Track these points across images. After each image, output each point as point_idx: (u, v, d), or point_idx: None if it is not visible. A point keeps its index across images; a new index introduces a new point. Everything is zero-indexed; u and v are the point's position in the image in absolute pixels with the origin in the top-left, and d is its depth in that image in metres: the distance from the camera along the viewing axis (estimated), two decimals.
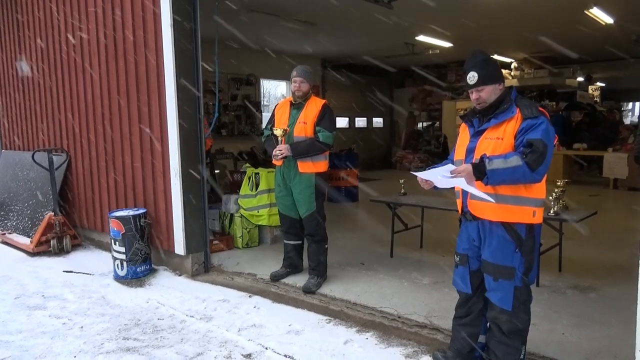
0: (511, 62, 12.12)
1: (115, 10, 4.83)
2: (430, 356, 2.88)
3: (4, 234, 5.99)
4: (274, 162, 4.10)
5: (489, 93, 2.47)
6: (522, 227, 2.42)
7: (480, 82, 2.46)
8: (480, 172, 2.33)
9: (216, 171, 7.59)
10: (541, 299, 3.53)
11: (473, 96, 2.51)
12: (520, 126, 2.35)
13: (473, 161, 2.44)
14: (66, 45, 5.66)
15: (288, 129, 3.97)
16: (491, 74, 2.48)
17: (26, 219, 6.03)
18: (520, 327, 2.49)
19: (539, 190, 2.43)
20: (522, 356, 2.53)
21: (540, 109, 2.39)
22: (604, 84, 15.31)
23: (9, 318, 3.64)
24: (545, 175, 2.38)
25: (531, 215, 2.42)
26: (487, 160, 2.32)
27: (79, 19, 5.39)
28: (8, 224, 6.30)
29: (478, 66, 2.48)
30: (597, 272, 4.25)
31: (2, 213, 6.58)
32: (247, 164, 5.90)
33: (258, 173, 5.34)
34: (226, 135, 10.01)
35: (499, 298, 2.48)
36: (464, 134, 2.64)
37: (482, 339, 2.72)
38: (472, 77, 2.48)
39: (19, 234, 5.94)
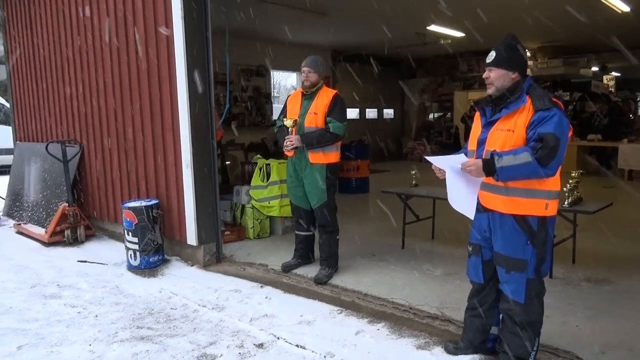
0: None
1: (127, 1, 4.84)
2: (442, 347, 2.88)
3: (20, 224, 6.08)
4: (285, 152, 4.09)
5: (498, 76, 2.43)
6: (534, 219, 2.39)
7: (494, 62, 2.43)
8: (490, 168, 2.32)
9: (227, 162, 7.61)
10: (555, 291, 3.50)
11: (484, 74, 2.50)
12: (531, 118, 2.30)
13: (484, 154, 2.43)
14: (77, 36, 5.69)
15: (298, 120, 3.96)
16: (508, 59, 2.42)
17: (41, 210, 6.11)
18: (533, 319, 2.47)
19: (552, 182, 2.38)
20: (535, 348, 2.51)
21: (554, 99, 2.32)
22: (619, 74, 15.04)
23: (25, 307, 3.71)
24: (560, 167, 2.35)
25: (543, 208, 2.38)
26: (496, 157, 2.30)
27: (90, 9, 5.41)
28: (23, 214, 6.39)
29: (500, 47, 2.45)
30: (612, 265, 4.20)
31: (17, 204, 6.68)
32: (259, 155, 5.91)
33: (269, 164, 5.35)
34: (237, 127, 10.02)
35: (511, 290, 2.46)
36: (477, 123, 2.61)
37: (494, 330, 2.71)
38: (490, 55, 2.47)
39: (33, 224, 6.03)
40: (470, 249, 2.67)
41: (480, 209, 2.56)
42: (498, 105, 2.47)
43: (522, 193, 2.37)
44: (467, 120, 12.57)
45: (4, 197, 7.12)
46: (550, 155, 2.21)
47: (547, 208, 2.39)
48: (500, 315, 2.63)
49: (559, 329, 2.99)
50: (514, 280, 2.45)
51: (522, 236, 2.40)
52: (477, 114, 2.62)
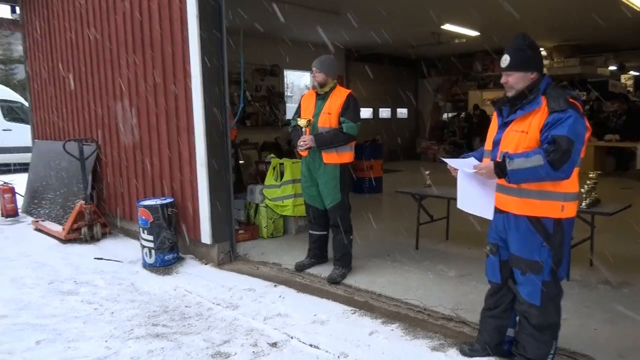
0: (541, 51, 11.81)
1: (142, 2, 4.88)
2: (457, 349, 2.86)
3: (38, 221, 6.19)
4: (299, 152, 4.10)
5: (517, 79, 2.40)
6: (549, 221, 2.35)
7: (511, 66, 2.40)
8: (501, 171, 2.32)
9: (241, 161, 7.64)
10: (572, 293, 3.46)
11: (502, 79, 2.48)
12: (545, 120, 2.27)
13: (498, 155, 2.42)
14: (94, 36, 5.76)
15: (312, 120, 3.97)
16: (524, 60, 2.39)
17: (58, 207, 6.20)
18: (550, 322, 2.45)
19: (568, 184, 2.34)
20: (552, 351, 2.48)
21: (571, 100, 2.27)
22: (638, 73, 14.77)
23: (43, 302, 3.77)
24: (577, 169, 2.31)
25: (559, 210, 2.34)
26: (507, 160, 2.29)
27: (107, 11, 5.47)
28: (41, 211, 6.50)
29: (513, 50, 2.41)
30: (630, 267, 4.13)
31: (35, 201, 6.79)
32: (272, 154, 5.92)
33: (282, 163, 5.36)
34: (250, 126, 10.06)
35: (527, 292, 2.44)
36: (494, 123, 2.59)
37: (510, 332, 2.68)
38: (504, 59, 2.43)
39: (51, 221, 6.12)
40: (488, 248, 2.66)
41: (495, 209, 2.55)
42: (514, 106, 2.44)
43: (535, 195, 2.34)
44: (472, 118, 12.49)
45: (23, 194, 7.24)
46: (563, 159, 2.17)
47: (563, 210, 2.35)
48: (517, 317, 2.60)
49: (577, 332, 2.95)
50: (529, 282, 2.43)
51: (537, 238, 2.37)
52: (495, 114, 2.60)
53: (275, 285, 4.03)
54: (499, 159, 2.39)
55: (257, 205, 5.41)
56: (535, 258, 2.38)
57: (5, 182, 6.99)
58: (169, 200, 4.68)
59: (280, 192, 5.27)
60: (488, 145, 2.57)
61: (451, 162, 2.69)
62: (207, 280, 4.20)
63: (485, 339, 2.72)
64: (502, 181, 2.39)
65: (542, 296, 2.40)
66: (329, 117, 3.93)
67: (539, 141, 2.29)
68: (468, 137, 12.65)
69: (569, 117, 2.22)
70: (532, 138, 2.30)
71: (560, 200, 2.34)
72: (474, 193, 2.63)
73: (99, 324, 3.38)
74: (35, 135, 7.71)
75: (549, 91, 2.35)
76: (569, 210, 2.38)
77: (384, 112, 13.91)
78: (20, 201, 7.14)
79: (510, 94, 2.45)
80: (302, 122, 3.97)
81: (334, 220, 4.06)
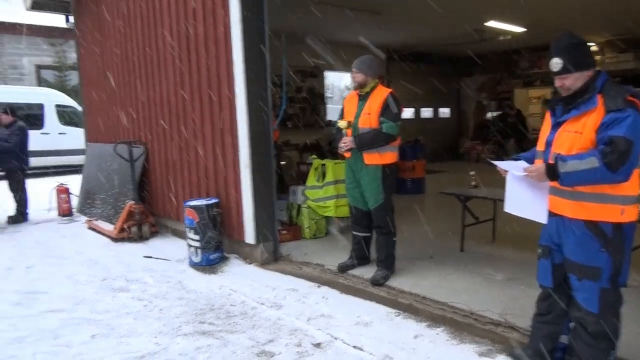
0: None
1: (188, 6, 5.02)
2: (506, 355, 2.77)
3: (91, 220, 6.48)
4: (342, 153, 4.10)
5: (573, 81, 2.29)
6: (607, 225, 2.24)
7: (565, 69, 2.29)
8: (553, 173, 2.23)
9: (282, 162, 7.71)
10: (630, 300, 3.22)
11: (557, 83, 2.36)
12: (602, 120, 2.16)
13: (550, 156, 2.33)
14: (142, 41, 5.97)
15: (352, 122, 3.96)
16: (576, 60, 2.29)
17: (109, 207, 6.46)
18: (608, 330, 2.32)
19: (628, 186, 2.22)
20: None
21: (630, 98, 2.15)
22: None
23: (97, 298, 3.94)
24: (638, 170, 2.19)
25: (618, 214, 2.23)
26: (560, 162, 2.20)
27: (154, 19, 5.66)
28: (94, 211, 6.80)
29: (562, 51, 2.30)
30: None
31: (88, 201, 7.12)
32: (314, 155, 5.94)
33: (324, 164, 5.37)
34: (292, 127, 10.14)
35: (584, 299, 2.34)
36: (547, 123, 2.49)
37: (563, 339, 2.58)
38: (555, 64, 2.31)
39: (103, 220, 6.39)
40: (540, 251, 2.56)
41: (548, 212, 2.46)
42: (568, 105, 2.35)
43: (592, 198, 2.24)
44: (507, 118, 12.05)
45: (78, 194, 7.60)
46: (621, 160, 2.07)
47: (623, 214, 2.24)
48: (571, 324, 2.49)
49: (636, 341, 2.80)
50: (586, 288, 2.32)
51: (595, 243, 2.26)
52: (548, 113, 2.50)
53: (318, 286, 4.04)
54: (551, 161, 2.31)
55: (299, 206, 5.45)
56: (593, 264, 2.28)
57: (61, 183, 7.37)
58: (214, 200, 4.79)
59: (322, 193, 5.29)
60: (540, 145, 2.48)
61: (500, 165, 2.63)
62: (251, 280, 4.27)
63: (537, 346, 2.62)
64: (555, 183, 2.31)
65: (600, 303, 2.29)
66: (369, 117, 3.90)
67: (594, 142, 2.19)
68: (502, 137, 12.22)
69: (627, 116, 2.11)
70: (587, 139, 2.20)
71: (619, 204, 2.23)
72: (525, 196, 2.54)
73: (149, 320, 3.50)
74: (88, 139, 8.08)
75: (606, 89, 2.24)
76: (629, 213, 2.26)
77: (426, 112, 13.70)
78: (75, 201, 7.50)
79: (566, 94, 2.35)
80: (342, 124, 3.98)
81: (377, 222, 4.03)
